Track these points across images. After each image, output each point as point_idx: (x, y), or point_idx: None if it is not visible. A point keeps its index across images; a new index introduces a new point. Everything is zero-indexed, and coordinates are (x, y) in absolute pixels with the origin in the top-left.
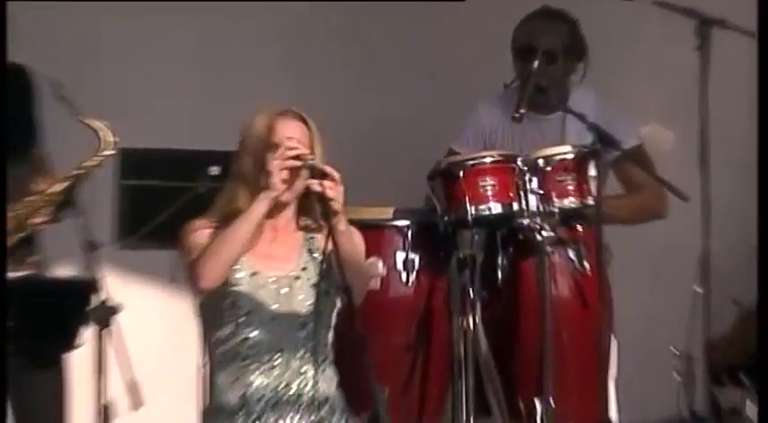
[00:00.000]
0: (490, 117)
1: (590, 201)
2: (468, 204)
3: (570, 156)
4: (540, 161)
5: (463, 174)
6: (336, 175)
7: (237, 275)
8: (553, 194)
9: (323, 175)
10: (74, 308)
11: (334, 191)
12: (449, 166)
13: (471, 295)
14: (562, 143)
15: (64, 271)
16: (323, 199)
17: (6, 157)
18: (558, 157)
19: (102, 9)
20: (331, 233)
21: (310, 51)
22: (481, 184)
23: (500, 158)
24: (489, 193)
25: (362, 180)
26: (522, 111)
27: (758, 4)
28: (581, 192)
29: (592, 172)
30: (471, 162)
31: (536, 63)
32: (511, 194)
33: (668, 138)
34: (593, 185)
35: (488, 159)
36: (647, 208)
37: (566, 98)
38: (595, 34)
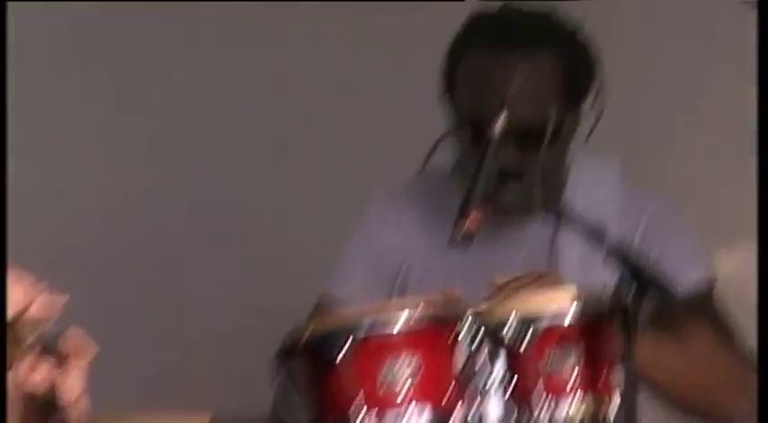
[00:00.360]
0: (396, 231)
1: (615, 402)
2: (357, 416)
3: (569, 319)
4: (510, 326)
5: (348, 353)
6: (89, 353)
7: None
8: (536, 392)
9: (57, 357)
10: None
11: (73, 391)
12: (318, 339)
13: None
14: (553, 282)
15: None
16: (56, 407)
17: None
18: (544, 322)
19: None
20: None
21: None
22: (386, 373)
23: (425, 318)
24: (401, 392)
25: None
26: (467, 228)
27: (758, 5)
28: (594, 385)
29: (615, 336)
30: (364, 328)
31: (498, 124)
32: (447, 394)
33: None
34: (618, 367)
35: (401, 321)
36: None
37: (558, 189)
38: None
